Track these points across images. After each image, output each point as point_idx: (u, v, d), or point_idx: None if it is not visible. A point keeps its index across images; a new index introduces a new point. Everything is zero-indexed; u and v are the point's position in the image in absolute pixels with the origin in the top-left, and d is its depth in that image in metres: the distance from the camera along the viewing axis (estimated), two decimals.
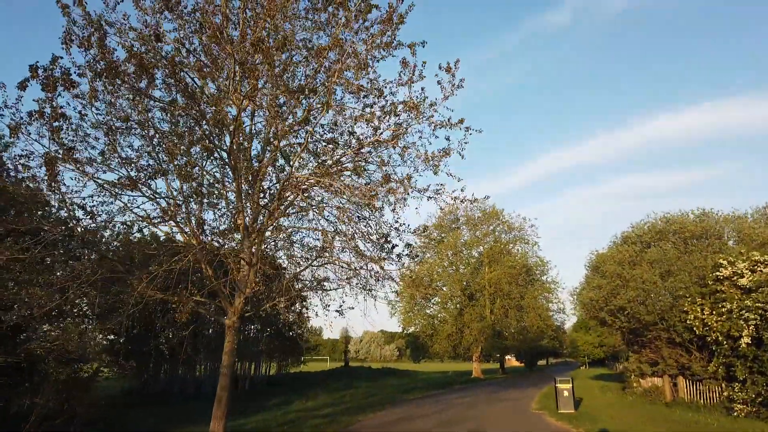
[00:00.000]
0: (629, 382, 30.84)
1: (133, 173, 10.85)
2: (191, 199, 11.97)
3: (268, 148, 13.29)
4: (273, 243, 15.22)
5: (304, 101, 11.29)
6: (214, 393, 13.15)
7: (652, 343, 26.72)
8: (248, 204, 13.38)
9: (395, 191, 11.56)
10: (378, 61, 12.45)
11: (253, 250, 13.75)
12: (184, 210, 11.70)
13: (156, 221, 11.25)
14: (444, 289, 61.43)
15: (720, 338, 21.30)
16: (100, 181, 10.33)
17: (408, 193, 12.15)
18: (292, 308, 14.76)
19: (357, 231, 14.57)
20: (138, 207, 11.59)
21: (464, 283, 62.05)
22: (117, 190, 10.64)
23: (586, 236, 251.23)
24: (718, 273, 21.75)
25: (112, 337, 30.07)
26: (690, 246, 26.34)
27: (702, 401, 24.03)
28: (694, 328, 22.61)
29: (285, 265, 15.67)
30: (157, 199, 11.39)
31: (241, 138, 12.14)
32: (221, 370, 13.28)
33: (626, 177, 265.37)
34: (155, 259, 12.85)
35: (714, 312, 21.68)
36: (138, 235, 14.97)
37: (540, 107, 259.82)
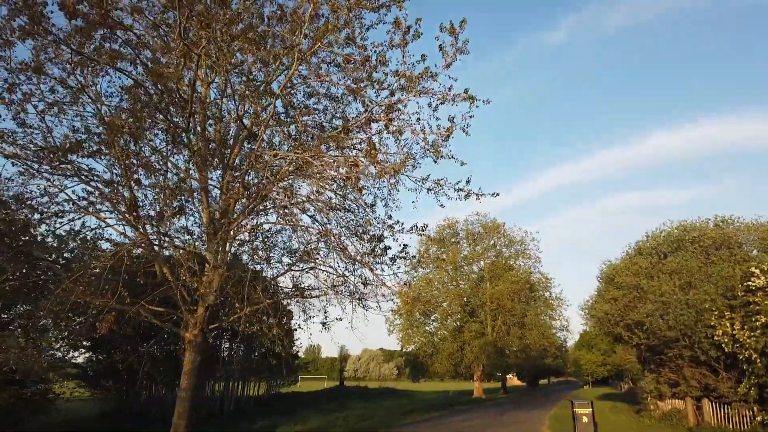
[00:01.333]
0: (645, 404, 28.46)
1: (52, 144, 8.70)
2: (139, 177, 9.81)
3: (235, 125, 11.19)
4: (248, 244, 13.08)
5: (270, 61, 9.21)
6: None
7: (672, 362, 24.41)
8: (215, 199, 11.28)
9: (382, 166, 9.36)
10: (367, 29, 10.47)
11: (224, 249, 11.61)
12: (126, 195, 9.55)
13: (86, 205, 9.09)
14: (444, 305, 59.39)
15: (753, 356, 19.04)
16: (6, 151, 8.17)
17: (401, 171, 9.98)
18: (269, 320, 12.44)
19: (344, 228, 12.43)
20: (73, 191, 9.47)
21: (464, 299, 59.86)
22: (35, 166, 8.48)
23: (585, 254, 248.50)
24: (749, 283, 19.53)
25: (84, 354, 27.93)
26: (711, 255, 24.16)
27: (730, 426, 21.68)
28: (723, 345, 20.35)
29: (264, 270, 13.52)
30: (91, 181, 9.23)
31: (198, 109, 10.07)
32: (179, 394, 11.04)
33: (625, 194, 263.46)
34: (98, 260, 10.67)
35: (746, 326, 19.43)
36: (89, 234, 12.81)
37: (535, 125, 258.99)
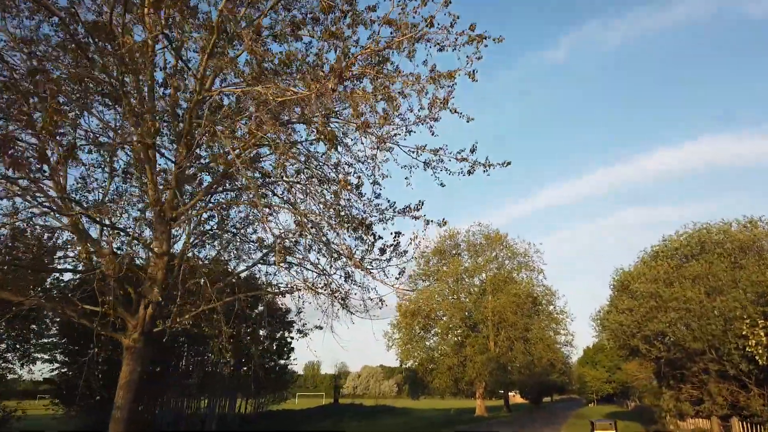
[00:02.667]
0: (663, 423, 26.14)
1: None
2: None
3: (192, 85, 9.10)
4: (207, 232, 10.93)
5: None
6: None
7: (695, 377, 22.14)
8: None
9: (366, 117, 7.22)
10: None
11: (170, 234, 9.47)
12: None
13: None
14: (444, 318, 57.18)
15: None
16: None
17: (390, 119, 7.86)
18: (222, 325, 10.23)
19: (324, 211, 10.29)
20: None
21: (466, 313, 57.51)
22: None
23: (586, 271, 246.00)
24: None
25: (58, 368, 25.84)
26: (739, 259, 21.95)
27: None
28: (756, 357, 18.11)
29: (231, 265, 11.37)
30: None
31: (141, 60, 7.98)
32: (113, 414, 8.81)
33: (625, 211, 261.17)
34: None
35: None
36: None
37: (536, 143, 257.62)
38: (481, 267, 59.60)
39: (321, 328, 11.59)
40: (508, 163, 9.36)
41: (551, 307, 59.68)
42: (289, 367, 32.94)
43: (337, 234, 10.49)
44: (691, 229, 25.29)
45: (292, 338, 32.79)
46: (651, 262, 24.75)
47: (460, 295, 58.66)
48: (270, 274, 12.30)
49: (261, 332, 29.55)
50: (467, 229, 61.34)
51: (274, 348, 32.23)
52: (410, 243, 9.53)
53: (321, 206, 10.00)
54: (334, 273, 11.28)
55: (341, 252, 10.58)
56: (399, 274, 9.93)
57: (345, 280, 11.31)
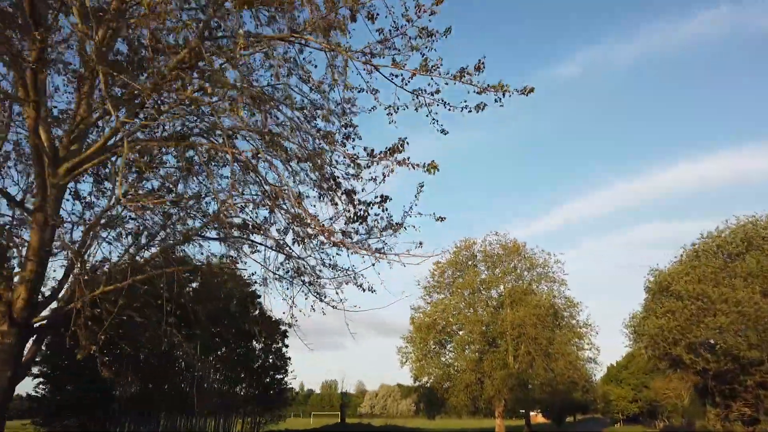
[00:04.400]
0: None
1: None
2: None
3: None
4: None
5: None
6: None
7: (748, 392, 19.09)
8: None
9: None
10: None
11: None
12: None
13: None
14: (461, 333, 54.34)
15: None
16: None
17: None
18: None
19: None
20: None
21: (484, 327, 54.51)
22: None
23: (604, 289, 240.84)
24: None
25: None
26: None
27: None
28: None
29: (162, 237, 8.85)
30: None
31: None
32: None
33: (644, 226, 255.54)
34: None
35: None
36: None
37: (551, 158, 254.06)
38: (498, 279, 56.69)
39: (290, 326, 8.98)
40: (531, 90, 6.75)
41: (574, 321, 56.40)
42: (285, 381, 30.28)
43: (321, 197, 7.99)
44: (735, 225, 22.34)
45: (287, 348, 30.31)
46: (692, 261, 21.78)
47: (477, 307, 55.69)
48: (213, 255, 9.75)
49: (255, 344, 27.07)
50: (483, 239, 58.50)
51: (270, 361, 29.70)
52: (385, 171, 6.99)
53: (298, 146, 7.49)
54: (308, 253, 8.71)
55: (312, 223, 7.98)
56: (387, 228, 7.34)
57: (324, 264, 8.74)
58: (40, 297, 6.86)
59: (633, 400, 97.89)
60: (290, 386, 32.34)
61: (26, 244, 6.74)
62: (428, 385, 56.20)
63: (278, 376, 30.47)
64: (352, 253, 8.16)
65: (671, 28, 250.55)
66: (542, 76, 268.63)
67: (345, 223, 8.12)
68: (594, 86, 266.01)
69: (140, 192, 8.07)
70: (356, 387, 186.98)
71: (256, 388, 28.85)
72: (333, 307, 8.97)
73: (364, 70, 6.90)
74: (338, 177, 7.65)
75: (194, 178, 8.40)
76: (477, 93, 6.66)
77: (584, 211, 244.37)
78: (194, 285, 22.87)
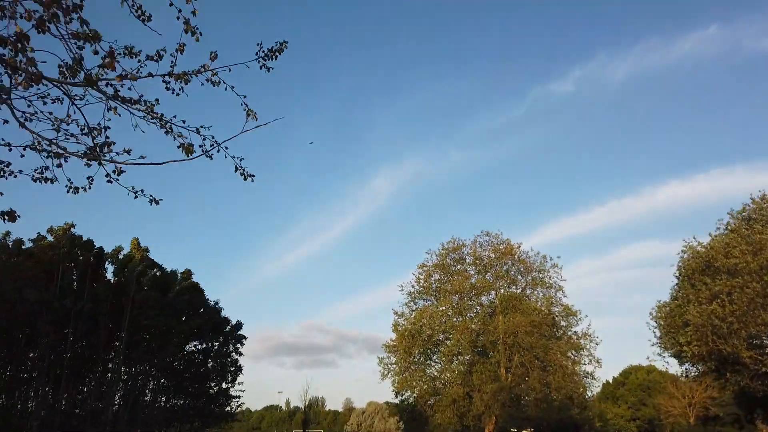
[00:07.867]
0: None
1: None
2: None
3: None
4: None
5: None
6: None
7: None
8: None
9: None
10: None
11: None
12: None
13: None
14: (448, 342, 49.46)
15: None
16: None
17: None
18: None
19: None
20: None
21: (473, 336, 49.65)
22: None
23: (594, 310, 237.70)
24: None
25: None
26: None
27: None
28: None
29: None
30: None
31: None
32: None
33: (635, 244, 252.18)
34: None
35: None
36: None
37: (544, 175, 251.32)
38: (490, 284, 51.92)
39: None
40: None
41: (571, 331, 51.48)
42: (231, 391, 25.13)
43: None
44: None
45: (239, 355, 25.20)
46: (740, 229, 16.84)
47: (466, 314, 50.87)
48: None
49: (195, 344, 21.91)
50: (474, 240, 53.60)
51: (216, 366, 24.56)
52: None
53: None
54: None
55: None
56: None
57: None
58: None
59: (631, 418, 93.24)
60: (237, 395, 27.02)
61: None
62: (411, 400, 51.41)
63: (224, 385, 25.32)
64: None
65: (663, 48, 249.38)
66: (537, 93, 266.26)
67: None
68: (587, 103, 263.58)
69: None
70: (344, 404, 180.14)
71: (195, 398, 23.67)
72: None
73: None
74: None
75: None
76: None
77: (573, 230, 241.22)
78: None
